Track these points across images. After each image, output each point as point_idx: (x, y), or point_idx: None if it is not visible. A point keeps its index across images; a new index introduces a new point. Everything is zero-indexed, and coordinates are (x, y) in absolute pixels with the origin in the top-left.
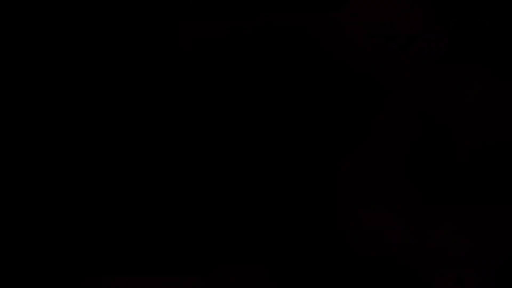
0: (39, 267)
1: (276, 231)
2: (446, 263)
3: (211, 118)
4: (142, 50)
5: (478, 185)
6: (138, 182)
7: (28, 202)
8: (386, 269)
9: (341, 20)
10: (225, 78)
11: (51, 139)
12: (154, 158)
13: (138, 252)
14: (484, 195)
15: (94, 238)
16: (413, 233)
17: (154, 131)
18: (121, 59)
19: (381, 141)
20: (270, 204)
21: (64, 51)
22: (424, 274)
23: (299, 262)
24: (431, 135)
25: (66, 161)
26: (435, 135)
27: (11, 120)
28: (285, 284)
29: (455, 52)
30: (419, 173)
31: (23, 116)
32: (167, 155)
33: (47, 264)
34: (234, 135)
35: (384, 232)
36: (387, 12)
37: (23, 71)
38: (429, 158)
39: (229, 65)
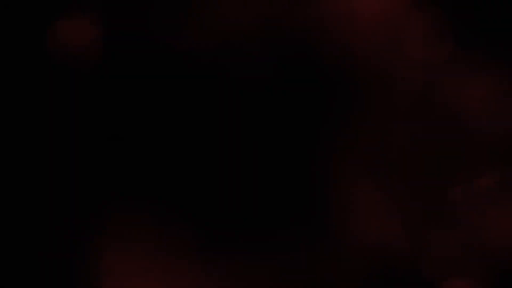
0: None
1: (276, 233)
2: (450, 264)
3: (210, 119)
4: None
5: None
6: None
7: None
8: (388, 270)
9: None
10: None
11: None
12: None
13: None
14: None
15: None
16: (415, 235)
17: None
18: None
19: (379, 143)
20: (269, 204)
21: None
22: (428, 275)
23: (300, 264)
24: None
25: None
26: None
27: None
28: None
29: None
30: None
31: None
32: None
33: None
34: (234, 138)
35: (386, 234)
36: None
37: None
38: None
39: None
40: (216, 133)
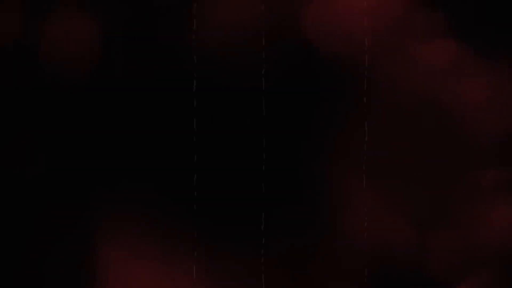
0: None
1: (279, 232)
2: (456, 265)
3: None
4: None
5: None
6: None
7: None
8: (393, 271)
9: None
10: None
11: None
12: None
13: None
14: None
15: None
16: (419, 235)
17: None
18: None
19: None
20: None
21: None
22: (434, 277)
23: (304, 265)
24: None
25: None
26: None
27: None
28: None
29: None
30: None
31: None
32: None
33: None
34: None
35: (391, 235)
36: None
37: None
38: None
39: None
40: (215, 132)
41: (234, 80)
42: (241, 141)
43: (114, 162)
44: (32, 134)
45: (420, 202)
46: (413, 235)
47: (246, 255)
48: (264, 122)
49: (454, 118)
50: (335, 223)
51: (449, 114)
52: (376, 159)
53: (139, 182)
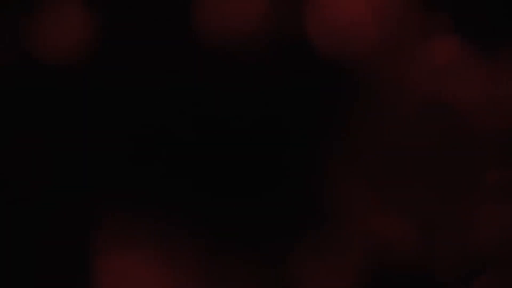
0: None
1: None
2: (454, 264)
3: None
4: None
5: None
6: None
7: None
8: (397, 272)
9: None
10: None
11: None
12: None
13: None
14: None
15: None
16: (420, 235)
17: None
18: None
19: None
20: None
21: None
22: (438, 278)
23: (303, 265)
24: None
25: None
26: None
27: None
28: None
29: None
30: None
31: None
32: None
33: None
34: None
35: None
36: None
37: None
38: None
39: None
40: (217, 132)
41: (233, 80)
42: (240, 141)
43: (115, 162)
44: (32, 133)
45: (420, 202)
46: (414, 235)
47: (247, 255)
48: (264, 122)
49: (455, 118)
50: (335, 223)
51: (449, 114)
52: (377, 159)
53: (140, 182)
